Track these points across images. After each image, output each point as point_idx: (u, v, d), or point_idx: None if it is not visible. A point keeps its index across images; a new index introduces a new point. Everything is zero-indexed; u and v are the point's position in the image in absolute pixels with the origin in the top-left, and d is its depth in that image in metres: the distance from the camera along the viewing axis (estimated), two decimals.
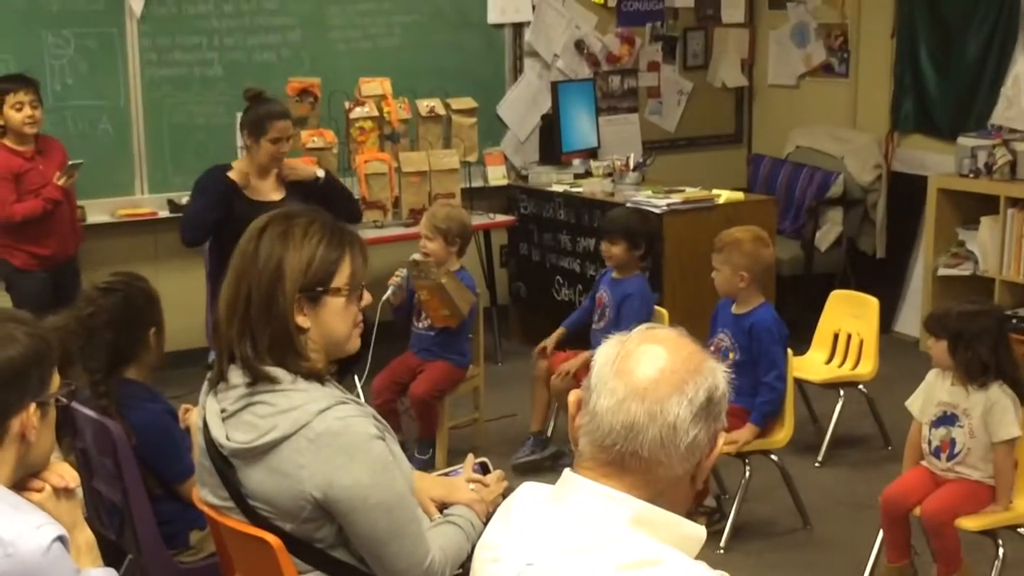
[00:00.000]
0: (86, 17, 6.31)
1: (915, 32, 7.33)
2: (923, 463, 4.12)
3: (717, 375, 1.80)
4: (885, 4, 7.51)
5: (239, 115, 6.34)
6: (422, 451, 5.21)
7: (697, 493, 4.62)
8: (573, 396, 1.84)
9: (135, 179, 6.55)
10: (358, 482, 2.42)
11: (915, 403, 4.18)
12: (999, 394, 3.96)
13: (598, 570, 1.68)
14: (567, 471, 1.81)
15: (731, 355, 4.68)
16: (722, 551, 4.55)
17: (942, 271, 6.79)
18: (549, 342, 5.40)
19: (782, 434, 4.69)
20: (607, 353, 1.81)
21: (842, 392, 5.50)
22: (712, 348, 4.73)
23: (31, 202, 5.58)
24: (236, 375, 2.52)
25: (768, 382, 4.62)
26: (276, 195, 5.38)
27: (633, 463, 1.74)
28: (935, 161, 7.18)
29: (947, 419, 4.05)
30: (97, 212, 6.33)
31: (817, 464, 5.39)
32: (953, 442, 4.02)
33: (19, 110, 5.56)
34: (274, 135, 5.28)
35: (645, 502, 1.74)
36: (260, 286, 2.47)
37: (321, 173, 5.54)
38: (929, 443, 4.08)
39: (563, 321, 5.51)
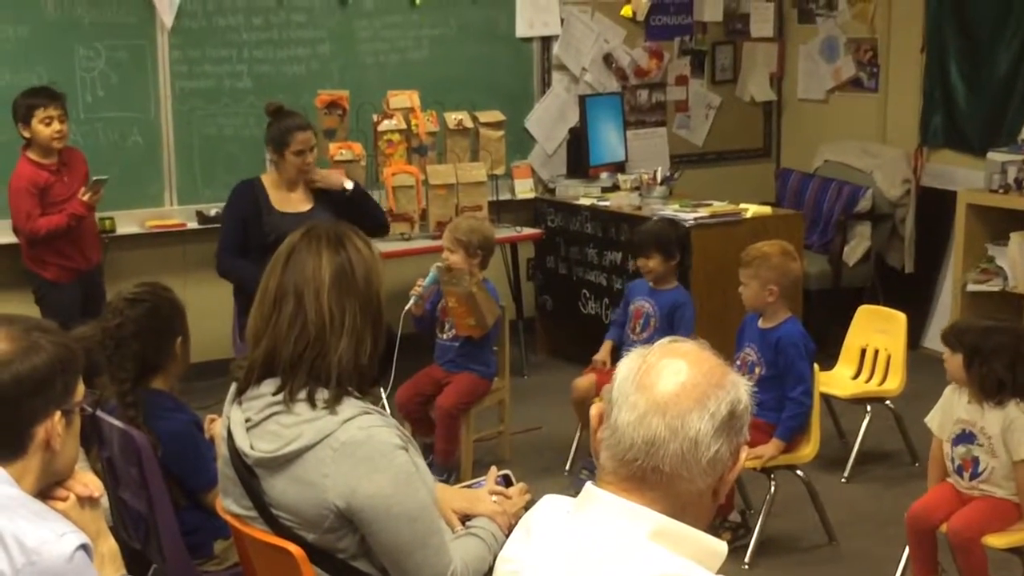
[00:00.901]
0: (117, 30, 6.35)
1: (945, 47, 7.30)
2: (948, 480, 4.09)
3: (739, 389, 1.79)
4: (915, 18, 7.48)
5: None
6: (437, 473, 5.09)
7: (722, 508, 4.64)
8: (595, 409, 1.84)
9: (164, 191, 6.58)
10: (381, 491, 2.43)
11: (934, 420, 4.15)
12: (1017, 412, 3.90)
13: None
14: (588, 485, 1.80)
15: (757, 370, 4.67)
16: (747, 567, 4.53)
17: (971, 287, 6.74)
18: (605, 356, 5.34)
19: (808, 449, 4.66)
20: (628, 367, 1.80)
21: (869, 408, 5.47)
22: (738, 363, 4.72)
23: (55, 217, 5.59)
24: (268, 385, 2.54)
25: (795, 397, 4.60)
26: (304, 206, 5.43)
27: (654, 478, 1.73)
28: (964, 176, 7.13)
29: (966, 437, 4.00)
30: (126, 223, 6.37)
31: (843, 480, 5.36)
32: (976, 461, 3.98)
33: (48, 125, 5.57)
34: (297, 148, 5.33)
35: (666, 516, 1.73)
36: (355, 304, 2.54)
37: (349, 185, 5.57)
38: (952, 461, 4.05)
39: (603, 335, 5.45)
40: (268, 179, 5.50)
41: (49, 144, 5.60)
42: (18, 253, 5.84)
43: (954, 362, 4.00)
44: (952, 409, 4.07)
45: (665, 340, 1.84)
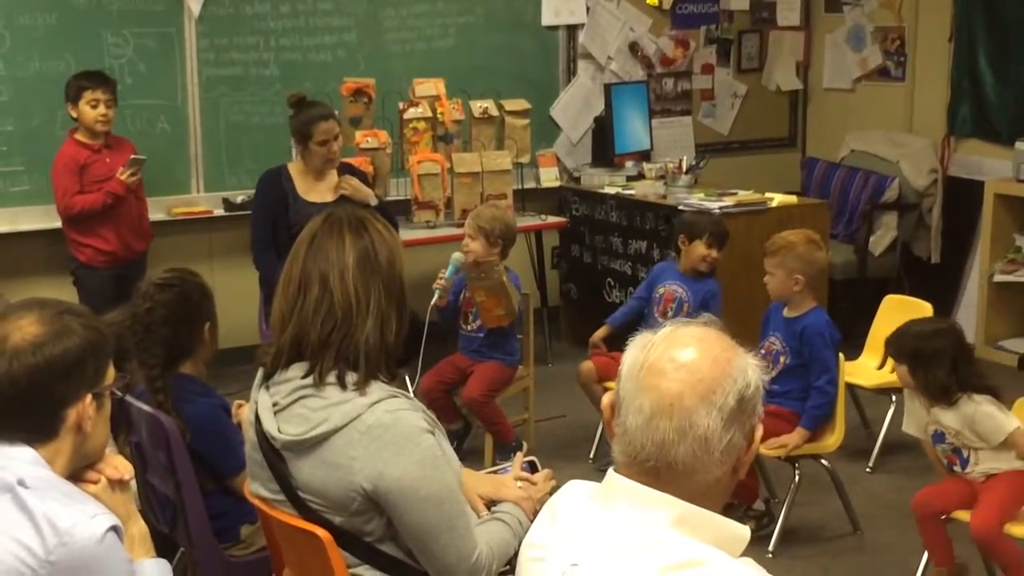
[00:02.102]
0: (145, 17, 6.38)
1: (973, 35, 7.27)
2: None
3: (747, 373, 1.76)
4: (943, 7, 7.44)
5: None
6: (503, 457, 5.12)
7: (746, 497, 4.64)
8: (606, 399, 1.83)
9: (191, 178, 6.61)
10: (407, 474, 2.45)
11: (909, 426, 4.16)
12: (972, 406, 3.88)
13: (642, 572, 1.68)
14: (611, 471, 1.80)
15: (782, 359, 4.66)
16: (771, 555, 4.53)
17: (998, 277, 6.72)
18: (596, 339, 5.33)
19: (833, 439, 4.66)
20: (631, 361, 1.78)
21: (894, 398, 5.45)
22: (763, 351, 4.72)
23: (92, 195, 5.69)
24: (296, 369, 2.55)
25: (820, 386, 4.59)
26: (330, 196, 5.43)
27: (668, 475, 1.73)
28: (992, 166, 7.11)
29: (939, 436, 4.00)
30: (154, 210, 6.37)
31: (868, 470, 5.36)
32: (958, 452, 3.96)
33: (94, 107, 5.70)
34: (320, 137, 5.34)
35: (687, 503, 1.73)
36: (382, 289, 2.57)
37: (374, 201, 5.52)
38: (942, 459, 4.04)
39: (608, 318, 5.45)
40: (295, 167, 5.52)
41: (93, 126, 5.71)
42: (59, 238, 5.91)
43: (901, 371, 4.01)
44: (920, 413, 4.04)
45: (668, 328, 1.81)
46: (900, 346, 4.00)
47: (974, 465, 3.95)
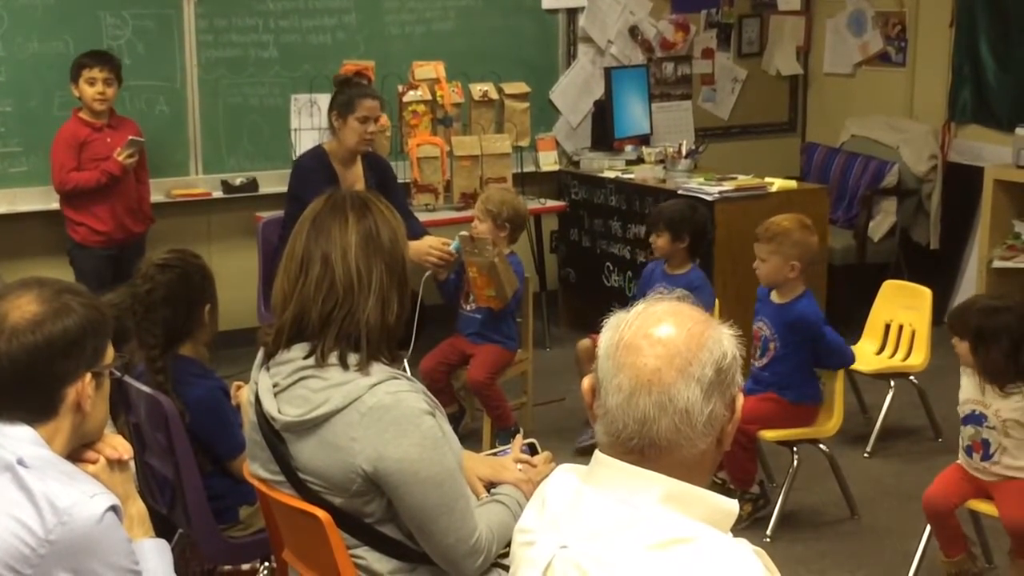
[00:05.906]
0: None
1: (974, 21, 7.24)
2: (958, 460, 3.99)
3: (723, 343, 1.77)
4: None
5: (294, 97, 6.42)
6: (503, 442, 5.12)
7: (742, 482, 4.63)
8: (586, 383, 1.83)
9: (190, 159, 6.60)
10: (408, 456, 2.44)
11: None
12: None
13: (631, 550, 1.68)
14: (597, 452, 1.80)
15: (772, 346, 4.62)
16: (769, 539, 4.53)
17: (997, 263, 6.71)
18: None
19: (831, 423, 4.66)
20: (607, 342, 1.79)
21: (892, 383, 5.46)
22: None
23: (87, 173, 5.71)
24: (298, 350, 2.55)
25: (833, 364, 4.63)
26: (360, 185, 5.40)
27: (653, 452, 1.74)
28: (992, 152, 7.09)
29: (975, 418, 3.88)
30: (152, 192, 6.37)
31: (866, 455, 5.36)
32: (986, 443, 3.85)
33: (92, 85, 5.73)
34: (362, 114, 5.29)
35: (675, 479, 1.73)
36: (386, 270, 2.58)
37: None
38: (961, 440, 3.95)
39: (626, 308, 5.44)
40: (330, 153, 5.42)
41: (92, 104, 5.74)
42: (58, 219, 5.91)
43: (962, 348, 3.87)
44: (966, 388, 3.94)
45: (640, 305, 1.82)
46: (964, 321, 3.86)
47: (996, 461, 3.84)
